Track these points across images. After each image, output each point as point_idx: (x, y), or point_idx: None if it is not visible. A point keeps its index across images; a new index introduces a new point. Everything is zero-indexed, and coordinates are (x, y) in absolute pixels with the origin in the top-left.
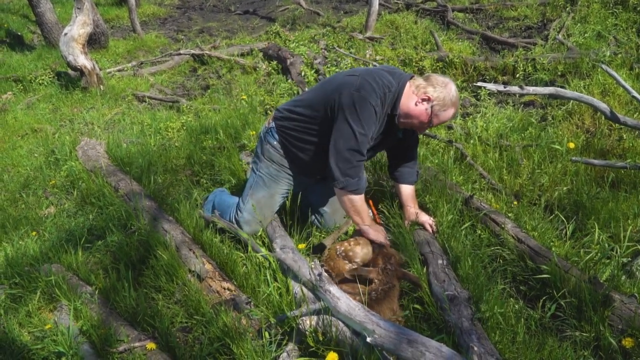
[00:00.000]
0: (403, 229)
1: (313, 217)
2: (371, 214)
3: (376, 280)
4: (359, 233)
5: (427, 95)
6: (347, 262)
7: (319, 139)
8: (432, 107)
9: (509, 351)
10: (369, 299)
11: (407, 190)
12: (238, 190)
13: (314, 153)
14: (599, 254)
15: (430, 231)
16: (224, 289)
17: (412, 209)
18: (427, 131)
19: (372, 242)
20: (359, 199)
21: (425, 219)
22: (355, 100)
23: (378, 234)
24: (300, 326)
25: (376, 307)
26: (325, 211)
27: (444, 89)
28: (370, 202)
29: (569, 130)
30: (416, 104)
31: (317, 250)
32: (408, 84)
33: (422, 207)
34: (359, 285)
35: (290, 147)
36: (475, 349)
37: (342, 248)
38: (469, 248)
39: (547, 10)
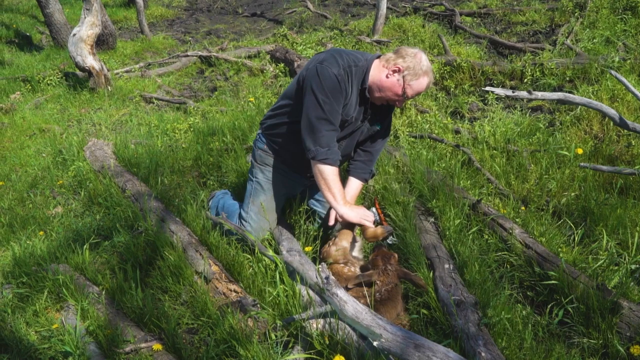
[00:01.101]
0: (409, 233)
1: (317, 221)
2: (377, 216)
3: (378, 282)
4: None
5: (397, 66)
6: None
7: (299, 130)
8: (403, 77)
9: (516, 357)
10: (374, 300)
11: (352, 185)
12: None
13: (298, 146)
14: (607, 261)
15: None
16: (231, 290)
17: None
18: (433, 134)
19: (364, 232)
20: (330, 171)
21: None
22: (318, 71)
23: (357, 214)
24: (306, 329)
25: (381, 308)
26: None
27: (413, 59)
28: (376, 203)
29: (577, 136)
30: (387, 76)
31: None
32: (377, 60)
33: (427, 211)
34: (364, 290)
35: (277, 146)
36: (483, 354)
37: (323, 250)
38: (476, 253)
39: (556, 15)
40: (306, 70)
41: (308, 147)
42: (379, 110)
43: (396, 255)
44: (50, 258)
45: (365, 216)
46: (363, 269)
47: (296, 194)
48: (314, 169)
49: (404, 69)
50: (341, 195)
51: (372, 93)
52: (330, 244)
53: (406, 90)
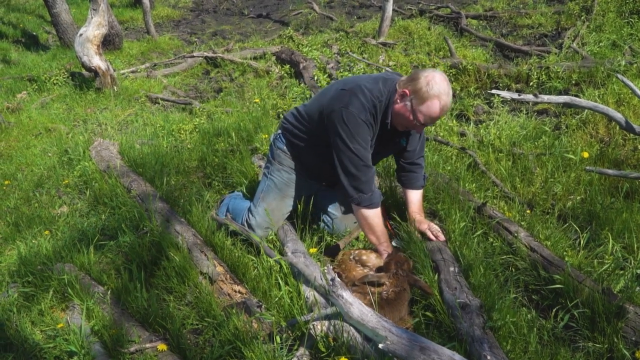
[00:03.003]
0: (414, 237)
1: (324, 221)
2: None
3: (387, 283)
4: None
5: (404, 90)
6: (359, 266)
7: (322, 146)
8: (411, 101)
9: None
10: (379, 298)
11: (413, 196)
12: (250, 193)
13: (319, 159)
14: (612, 265)
15: (433, 238)
16: (235, 291)
17: (417, 216)
18: (439, 137)
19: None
20: (373, 214)
21: (425, 227)
22: (345, 118)
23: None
24: (311, 331)
25: (386, 308)
26: (336, 215)
27: (420, 82)
28: (382, 207)
29: (582, 140)
30: (396, 102)
31: (331, 251)
32: (396, 85)
33: (432, 214)
34: (368, 288)
35: (297, 152)
36: (488, 357)
37: (357, 252)
38: (481, 256)
39: (562, 18)
40: (330, 111)
41: (350, 194)
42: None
43: (410, 262)
44: (55, 257)
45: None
46: (377, 270)
47: (309, 195)
48: (356, 213)
49: (410, 92)
50: (383, 237)
51: (393, 120)
52: (369, 250)
53: (417, 115)
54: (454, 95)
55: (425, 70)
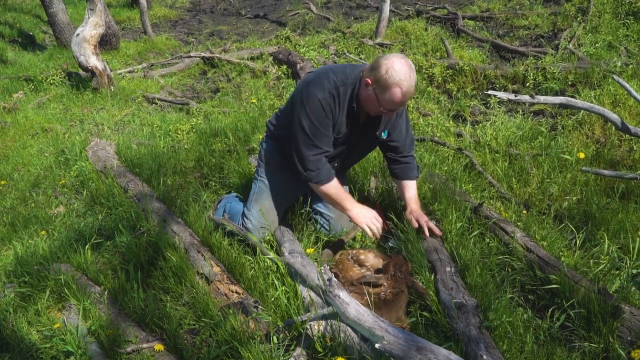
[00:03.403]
0: (411, 235)
1: (319, 223)
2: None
3: (385, 284)
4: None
5: (366, 80)
6: (357, 266)
7: None
8: (374, 90)
9: None
10: (377, 299)
11: (407, 187)
12: (247, 194)
13: None
14: (608, 265)
15: (427, 233)
16: (232, 291)
17: (414, 206)
18: (435, 137)
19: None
20: (329, 187)
21: (423, 219)
22: (304, 96)
23: (363, 217)
24: (308, 331)
25: (383, 308)
26: (331, 217)
27: (380, 70)
28: (379, 207)
29: (579, 140)
30: (361, 90)
31: (336, 246)
32: (361, 74)
33: (429, 214)
34: (364, 288)
35: (282, 151)
36: (484, 357)
37: (354, 252)
38: (477, 256)
39: (558, 19)
40: (294, 92)
41: (299, 171)
42: (382, 119)
43: (410, 265)
44: (52, 257)
45: (371, 221)
46: (376, 271)
47: (300, 195)
48: (314, 188)
49: (372, 82)
50: (348, 202)
51: (362, 106)
52: (367, 250)
53: (381, 103)
54: (450, 96)
55: (386, 57)
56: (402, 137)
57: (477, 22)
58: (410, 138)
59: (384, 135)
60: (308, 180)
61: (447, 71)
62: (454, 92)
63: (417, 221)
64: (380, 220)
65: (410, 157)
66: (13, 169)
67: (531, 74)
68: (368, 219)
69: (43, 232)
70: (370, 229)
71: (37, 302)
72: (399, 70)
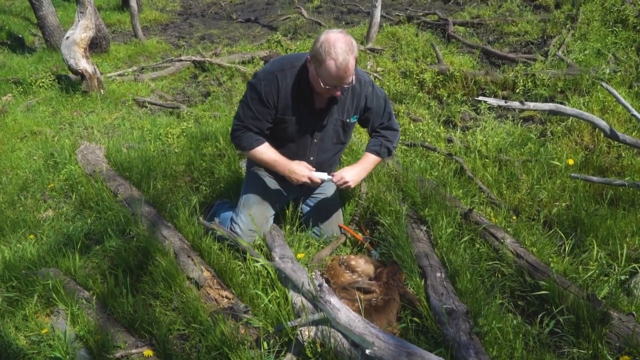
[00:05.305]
0: (402, 241)
1: (310, 229)
2: (349, 235)
3: (377, 290)
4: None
5: (307, 57)
6: (348, 272)
7: (275, 140)
8: (314, 67)
9: None
10: (368, 305)
11: (364, 157)
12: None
13: (284, 153)
14: (597, 271)
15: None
16: (222, 297)
17: (346, 168)
18: (426, 143)
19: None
20: (255, 153)
21: (341, 173)
22: (248, 83)
23: (289, 169)
24: (298, 337)
25: (374, 315)
26: (322, 222)
27: (316, 46)
28: (343, 226)
29: (568, 147)
30: (309, 71)
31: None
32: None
33: (420, 220)
34: (356, 294)
35: None
36: None
37: (345, 257)
38: (467, 262)
39: (548, 26)
40: None
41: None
42: (348, 103)
43: (403, 275)
44: (40, 262)
45: (295, 173)
46: (370, 279)
47: (289, 200)
48: (248, 157)
49: (311, 58)
50: (284, 161)
51: (313, 88)
52: (358, 255)
53: (321, 79)
54: (440, 102)
55: (324, 32)
56: (377, 118)
57: (468, 29)
58: (385, 118)
59: (352, 119)
60: (236, 147)
61: (438, 77)
62: (445, 98)
63: (334, 175)
64: (311, 167)
65: (378, 134)
66: (1, 172)
67: (521, 81)
68: (291, 170)
69: (31, 236)
70: (311, 180)
71: (24, 307)
72: (334, 43)
